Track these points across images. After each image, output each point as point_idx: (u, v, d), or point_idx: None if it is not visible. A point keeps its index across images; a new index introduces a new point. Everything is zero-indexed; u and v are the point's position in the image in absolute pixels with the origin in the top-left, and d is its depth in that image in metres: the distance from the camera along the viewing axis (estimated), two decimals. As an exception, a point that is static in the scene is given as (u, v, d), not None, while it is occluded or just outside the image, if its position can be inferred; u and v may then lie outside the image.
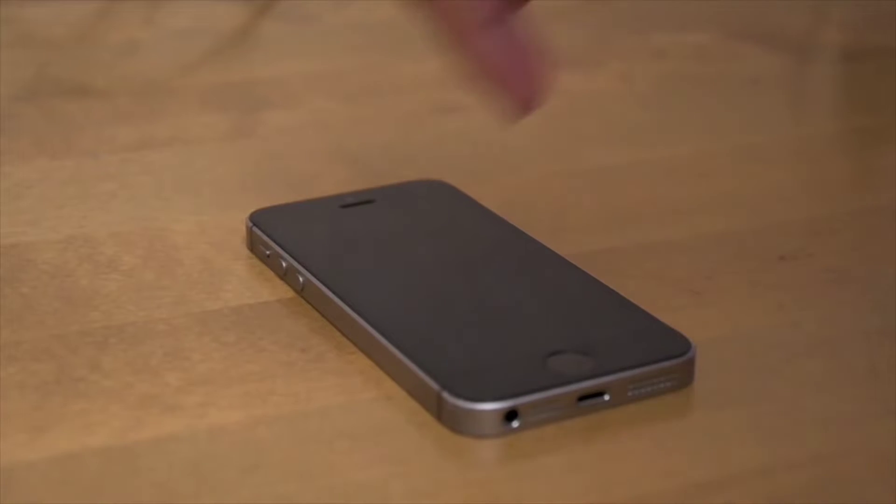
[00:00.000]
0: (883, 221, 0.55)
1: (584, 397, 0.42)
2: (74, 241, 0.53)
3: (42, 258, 0.51)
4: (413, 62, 0.72)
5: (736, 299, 0.49)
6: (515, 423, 0.41)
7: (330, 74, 0.70)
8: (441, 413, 0.42)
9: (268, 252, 0.50)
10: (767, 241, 0.53)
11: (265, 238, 0.51)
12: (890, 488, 0.39)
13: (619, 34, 0.77)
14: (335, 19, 0.79)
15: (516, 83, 0.43)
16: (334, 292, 0.47)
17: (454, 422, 0.41)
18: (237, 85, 0.69)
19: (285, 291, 0.49)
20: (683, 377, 0.43)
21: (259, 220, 0.52)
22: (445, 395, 0.41)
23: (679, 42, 0.76)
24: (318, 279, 0.48)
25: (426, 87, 0.69)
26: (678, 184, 0.58)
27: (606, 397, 0.42)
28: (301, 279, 0.48)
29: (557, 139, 0.63)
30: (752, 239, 0.53)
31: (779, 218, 0.55)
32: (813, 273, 0.51)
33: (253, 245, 0.52)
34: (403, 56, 0.73)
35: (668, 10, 0.81)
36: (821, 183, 0.59)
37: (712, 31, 0.77)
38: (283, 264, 0.49)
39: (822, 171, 0.60)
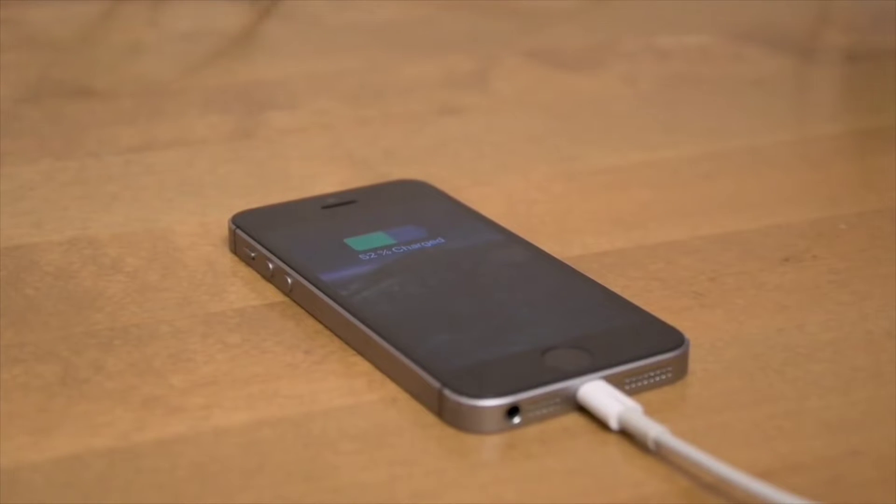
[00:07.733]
0: (886, 223, 0.55)
1: None
2: (78, 243, 0.53)
3: (46, 260, 0.51)
4: (415, 63, 0.72)
5: (739, 301, 0.49)
6: (517, 420, 0.41)
7: (332, 75, 0.70)
8: (443, 411, 0.42)
9: (253, 254, 0.50)
10: (771, 243, 0.53)
11: (250, 240, 0.50)
12: (893, 491, 0.39)
13: (623, 36, 0.77)
14: (337, 20, 0.79)
15: None
16: (326, 294, 0.47)
17: (456, 419, 0.41)
18: (240, 86, 0.69)
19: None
20: (678, 370, 0.44)
21: (242, 222, 0.52)
22: (447, 392, 0.41)
23: (682, 43, 0.76)
24: (308, 280, 0.48)
25: (428, 88, 0.69)
26: (681, 185, 0.58)
27: None
28: (290, 280, 0.48)
29: (560, 140, 0.63)
30: (756, 240, 0.53)
31: (782, 219, 0.55)
32: (817, 275, 0.51)
33: (236, 247, 0.51)
34: (406, 57, 0.73)
35: (671, 12, 0.81)
36: (824, 184, 0.59)
37: (715, 33, 0.77)
38: (270, 266, 0.49)
39: (825, 173, 0.60)
